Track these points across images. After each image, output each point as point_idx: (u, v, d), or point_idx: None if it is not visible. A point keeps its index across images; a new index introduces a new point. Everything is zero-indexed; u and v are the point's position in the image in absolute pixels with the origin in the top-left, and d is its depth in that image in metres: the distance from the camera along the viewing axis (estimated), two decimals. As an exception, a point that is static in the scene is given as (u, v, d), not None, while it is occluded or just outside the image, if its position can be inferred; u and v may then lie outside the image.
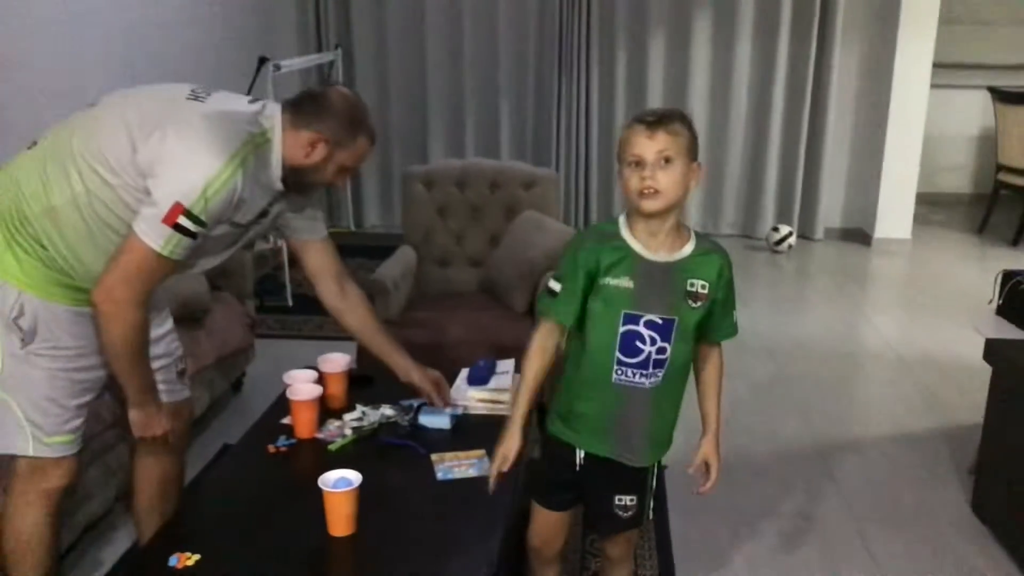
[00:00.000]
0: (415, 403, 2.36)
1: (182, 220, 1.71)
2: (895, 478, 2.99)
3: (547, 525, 2.04)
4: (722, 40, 5.77)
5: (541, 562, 2.10)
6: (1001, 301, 2.90)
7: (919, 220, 6.02)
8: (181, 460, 2.28)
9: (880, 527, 2.68)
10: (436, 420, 2.30)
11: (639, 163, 1.69)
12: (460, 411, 2.36)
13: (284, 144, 1.86)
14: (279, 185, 1.91)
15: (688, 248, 1.79)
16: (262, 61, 4.25)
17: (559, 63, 5.83)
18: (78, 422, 1.95)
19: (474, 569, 1.74)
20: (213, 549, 1.77)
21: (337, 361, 2.41)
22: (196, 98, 1.83)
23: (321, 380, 2.35)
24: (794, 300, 4.99)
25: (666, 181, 1.68)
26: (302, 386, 2.26)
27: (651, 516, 2.02)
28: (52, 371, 1.87)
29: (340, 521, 1.81)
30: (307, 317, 4.39)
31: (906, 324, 4.52)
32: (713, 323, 1.84)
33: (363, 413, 2.33)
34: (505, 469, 1.90)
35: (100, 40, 3.74)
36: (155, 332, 2.04)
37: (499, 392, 2.41)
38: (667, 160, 1.68)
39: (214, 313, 3.25)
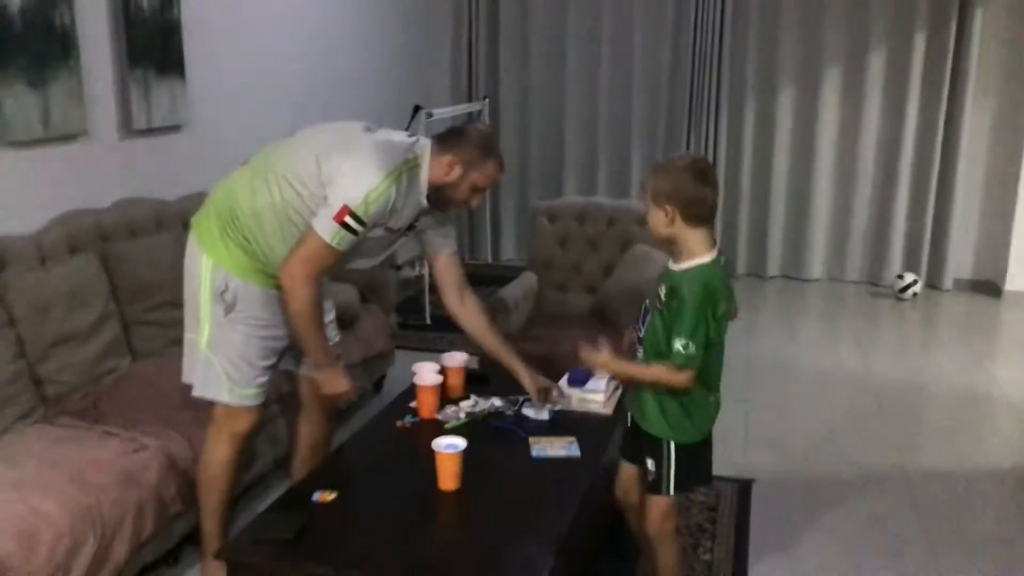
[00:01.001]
0: (520, 398, 2.76)
1: (348, 219, 2.21)
2: (979, 510, 3.10)
3: (622, 476, 2.45)
4: (851, 93, 5.94)
5: (626, 508, 2.50)
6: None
7: (1060, 275, 5.92)
8: (330, 429, 2.78)
9: (955, 551, 2.82)
10: (538, 413, 2.69)
11: None
12: (558, 407, 2.73)
13: (430, 167, 2.35)
14: (424, 202, 2.39)
15: (681, 265, 2.18)
16: (416, 109, 4.84)
17: (689, 113, 6.18)
18: (264, 379, 2.47)
19: (556, 522, 2.10)
20: (347, 491, 2.22)
21: (457, 358, 2.85)
22: (367, 130, 2.37)
23: (443, 373, 2.79)
24: (911, 345, 5.06)
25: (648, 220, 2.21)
26: (426, 374, 2.71)
27: (671, 493, 2.27)
28: (247, 335, 2.40)
29: (447, 477, 2.22)
30: (442, 334, 4.87)
31: (1016, 371, 4.51)
32: (667, 335, 2.16)
33: (476, 402, 2.75)
34: None
35: (283, 95, 4.44)
36: (324, 318, 2.54)
37: (593, 393, 2.77)
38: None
39: (363, 320, 3.79)
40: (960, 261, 5.99)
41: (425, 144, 2.38)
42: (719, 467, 3.32)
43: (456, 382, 2.84)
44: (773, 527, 2.95)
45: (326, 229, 2.23)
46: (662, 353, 2.18)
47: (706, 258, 2.15)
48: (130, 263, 3.20)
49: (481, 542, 2.03)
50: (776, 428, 3.78)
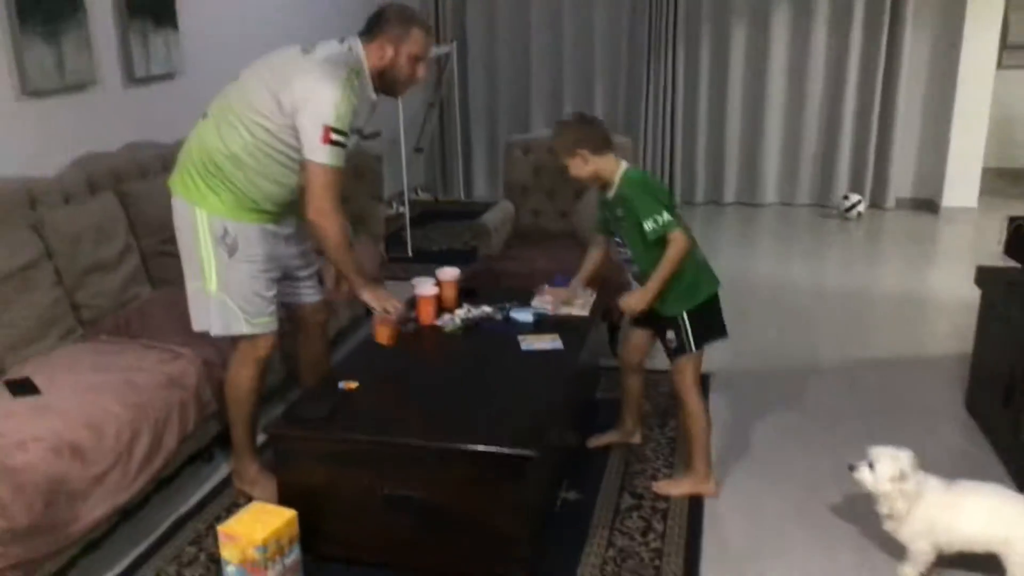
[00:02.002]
0: (508, 305, 3.15)
1: (333, 136, 2.39)
2: (907, 389, 3.57)
3: (629, 341, 2.93)
4: (800, 25, 6.31)
5: (627, 370, 2.96)
6: (1007, 241, 3.42)
7: (995, 193, 6.41)
8: (328, 343, 3.09)
9: (885, 420, 3.29)
10: (522, 316, 3.09)
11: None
12: (540, 311, 3.13)
13: (368, 60, 2.53)
14: (374, 95, 2.60)
15: (614, 189, 2.70)
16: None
17: (648, 49, 6.51)
18: (273, 307, 2.73)
19: (549, 396, 2.51)
20: (367, 381, 2.61)
21: (449, 272, 3.22)
22: (306, 52, 2.51)
23: (439, 286, 3.17)
24: (854, 257, 5.52)
25: (576, 174, 2.69)
26: (425, 286, 3.08)
27: (693, 349, 2.72)
28: (252, 272, 2.64)
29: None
30: (425, 265, 5.22)
31: (947, 276, 5.01)
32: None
33: (468, 309, 3.14)
34: None
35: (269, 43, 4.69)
36: (299, 248, 2.82)
37: (574, 298, 3.17)
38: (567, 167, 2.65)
39: (355, 249, 4.11)
40: (901, 181, 6.46)
41: (357, 44, 2.54)
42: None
43: (450, 294, 3.21)
44: (727, 410, 3.39)
45: (322, 155, 2.41)
46: (652, 252, 2.60)
47: (623, 168, 2.69)
48: (143, 201, 3.49)
49: (486, 412, 2.43)
50: (733, 332, 4.21)
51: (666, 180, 6.77)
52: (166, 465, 2.69)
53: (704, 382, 3.60)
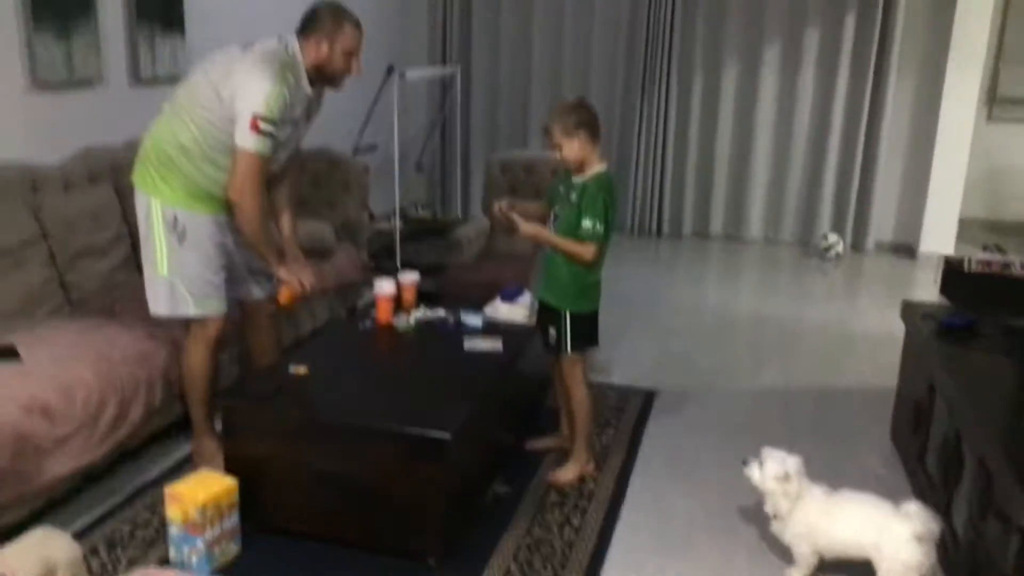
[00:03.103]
0: (461, 309, 3.39)
1: (261, 125, 2.62)
2: (843, 415, 3.76)
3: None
4: (788, 67, 6.55)
5: (559, 379, 3.16)
6: (940, 282, 3.62)
7: (976, 242, 6.59)
8: (278, 333, 3.28)
9: (811, 442, 3.47)
10: (472, 320, 3.32)
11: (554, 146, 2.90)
12: (489, 317, 3.36)
13: (304, 56, 2.76)
14: (308, 89, 2.80)
15: (584, 177, 2.90)
16: (390, 69, 5.40)
17: (643, 84, 6.77)
18: (221, 292, 2.94)
19: (476, 387, 2.74)
20: (314, 367, 2.84)
21: (410, 277, 3.47)
22: (245, 49, 2.74)
23: (399, 289, 3.41)
24: (820, 295, 5.73)
25: (565, 155, 2.87)
26: (384, 286, 3.32)
27: (569, 351, 2.98)
28: (200, 258, 2.87)
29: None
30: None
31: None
32: (578, 223, 2.87)
33: (424, 312, 3.38)
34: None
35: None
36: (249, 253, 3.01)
37: (522, 307, 3.40)
38: (559, 145, 2.85)
39: (338, 254, 4.39)
40: (881, 225, 6.65)
41: (293, 41, 2.77)
42: (635, 381, 4.00)
43: (409, 296, 3.46)
44: (666, 426, 3.60)
45: (248, 141, 2.64)
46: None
47: (602, 167, 2.93)
48: (138, 194, 3.77)
49: (418, 399, 2.66)
50: (691, 356, 4.44)
51: (655, 210, 7.01)
52: (131, 435, 2.95)
53: (649, 399, 3.84)
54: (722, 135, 6.82)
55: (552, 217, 3.00)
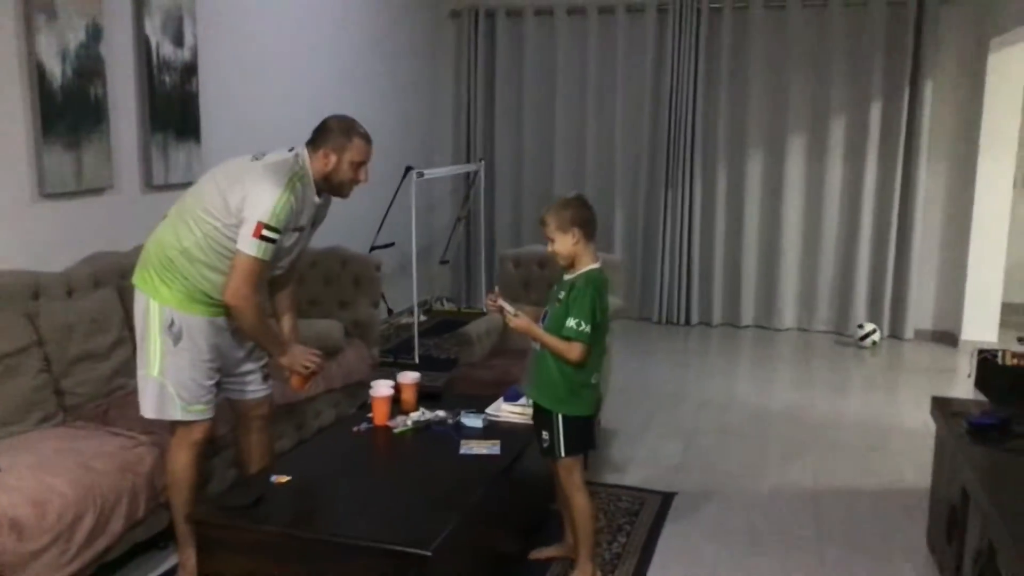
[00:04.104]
0: (461, 410, 3.25)
1: (265, 232, 2.64)
2: (877, 520, 3.48)
3: None
4: (814, 155, 6.46)
5: (555, 482, 2.99)
6: (975, 375, 3.40)
7: (1021, 328, 6.27)
8: (270, 436, 3.20)
9: (843, 551, 3.21)
10: (472, 421, 3.18)
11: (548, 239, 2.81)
12: (491, 418, 3.22)
13: (312, 166, 2.81)
14: (316, 199, 2.85)
15: (574, 274, 2.79)
16: (407, 169, 5.43)
17: (666, 175, 6.73)
18: (210, 396, 2.90)
19: (464, 497, 2.58)
20: (299, 475, 2.72)
21: (410, 376, 3.36)
22: (255, 159, 2.80)
23: (399, 389, 3.30)
24: (855, 387, 5.45)
25: (557, 250, 2.78)
26: (381, 388, 3.22)
27: (562, 455, 2.82)
28: (193, 361, 2.83)
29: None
30: (429, 373, 5.37)
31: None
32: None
33: (423, 413, 3.25)
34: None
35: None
36: (244, 350, 2.99)
37: (525, 408, 3.25)
38: (552, 239, 2.76)
39: (346, 352, 4.31)
40: (921, 313, 6.39)
41: (304, 152, 2.83)
42: (652, 482, 3.79)
43: (409, 397, 3.34)
44: (683, 532, 3.37)
45: (250, 247, 2.66)
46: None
47: (595, 265, 2.82)
48: (142, 296, 3.75)
49: (402, 510, 2.51)
50: (715, 453, 4.21)
51: (683, 300, 6.85)
52: (109, 549, 2.82)
53: (667, 501, 3.61)
54: (749, 223, 6.69)
55: (543, 315, 2.89)
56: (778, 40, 6.42)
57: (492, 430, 3.14)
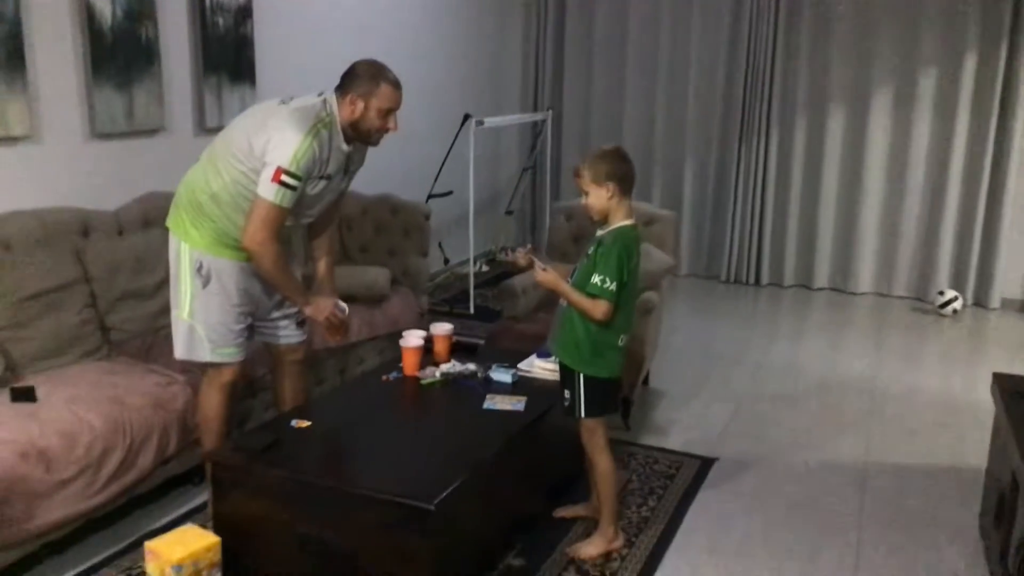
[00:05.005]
0: (493, 366, 3.19)
1: (284, 178, 2.60)
2: (931, 499, 3.29)
3: None
4: (901, 111, 6.06)
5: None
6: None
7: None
8: (304, 380, 3.21)
9: (887, 533, 3.05)
10: (502, 376, 3.12)
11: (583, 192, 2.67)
12: (522, 374, 3.15)
13: (340, 112, 2.74)
14: (345, 146, 2.78)
15: (604, 230, 2.67)
16: (466, 117, 5.34)
17: (741, 128, 6.44)
18: (240, 340, 2.92)
19: (478, 451, 2.53)
20: (320, 421, 2.72)
21: (443, 327, 3.32)
22: (283, 103, 2.75)
23: (432, 340, 3.26)
24: (927, 357, 5.16)
25: (590, 203, 2.65)
26: (411, 338, 3.18)
27: (582, 415, 2.74)
28: (222, 304, 2.85)
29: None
30: (483, 323, 5.33)
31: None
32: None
33: (454, 365, 3.20)
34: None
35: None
36: (277, 296, 2.98)
37: (554, 364, 3.17)
38: (585, 192, 2.63)
39: (391, 299, 4.29)
40: (1009, 280, 5.99)
41: (332, 97, 2.75)
42: (694, 446, 3.66)
43: (442, 348, 3.30)
44: (717, 499, 3.25)
45: (268, 191, 2.63)
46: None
47: (627, 222, 2.69)
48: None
49: (414, 462, 2.48)
50: (765, 420, 4.05)
51: (753, 259, 6.60)
52: (139, 482, 2.89)
53: (705, 467, 3.50)
54: (828, 180, 6.36)
55: (572, 271, 2.79)
56: (866, -14, 6.01)
57: (521, 386, 3.08)
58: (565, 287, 2.70)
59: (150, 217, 3.74)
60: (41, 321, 3.15)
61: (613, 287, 2.59)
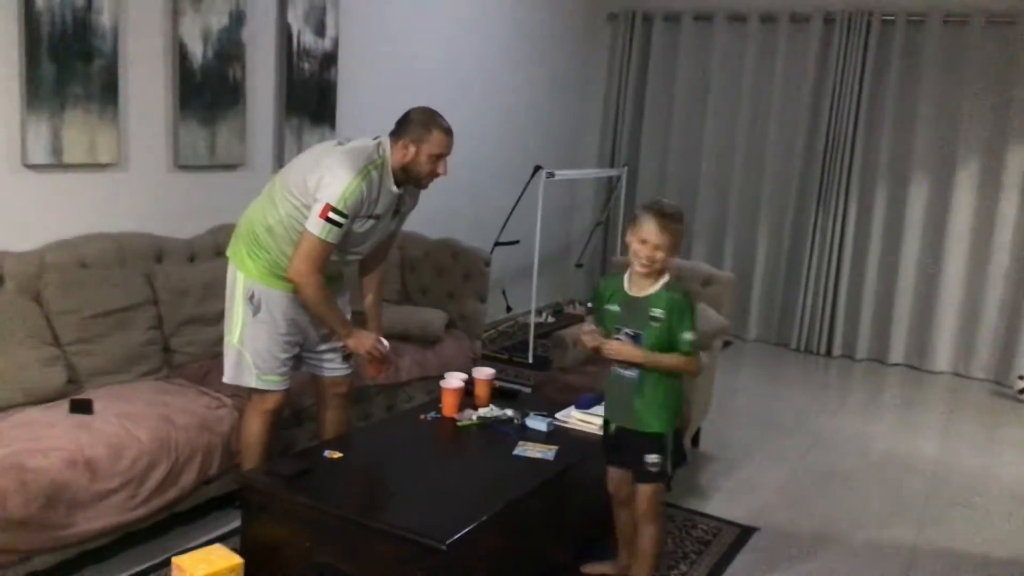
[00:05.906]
0: (531, 413, 3.21)
1: (331, 215, 2.74)
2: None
3: (611, 476, 2.88)
4: (988, 186, 5.86)
5: (616, 503, 2.90)
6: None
7: None
8: (347, 413, 3.29)
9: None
10: (537, 424, 3.13)
11: (645, 242, 2.54)
12: (558, 423, 3.16)
13: (392, 156, 2.87)
14: (395, 188, 2.91)
15: (655, 288, 2.61)
16: (536, 169, 5.43)
17: (819, 194, 6.34)
18: (285, 369, 3.03)
19: (497, 498, 2.54)
20: (351, 454, 2.78)
21: (484, 372, 3.35)
22: (339, 144, 2.91)
23: (472, 383, 3.30)
24: (999, 443, 4.90)
25: (659, 257, 2.57)
26: (451, 380, 3.23)
27: (671, 474, 2.75)
28: (271, 333, 2.97)
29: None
30: (540, 372, 5.34)
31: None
32: (672, 338, 2.61)
33: (491, 409, 3.23)
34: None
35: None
36: (324, 329, 3.06)
37: (594, 416, 3.16)
38: (659, 248, 2.57)
39: (445, 341, 4.36)
40: (1103, 370, 5.67)
41: (386, 141, 2.89)
42: (735, 514, 3.61)
43: (482, 392, 3.33)
44: (751, 571, 3.16)
45: (315, 227, 2.76)
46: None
47: (673, 276, 2.73)
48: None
49: (432, 499, 2.51)
50: (813, 494, 3.92)
51: (825, 328, 6.44)
52: (180, 499, 3.00)
53: (744, 536, 3.41)
54: (907, 252, 6.18)
55: (626, 334, 2.70)
56: (955, 57, 5.88)
57: (556, 436, 3.08)
58: (655, 355, 2.64)
59: (221, 247, 3.90)
60: (108, 338, 3.32)
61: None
